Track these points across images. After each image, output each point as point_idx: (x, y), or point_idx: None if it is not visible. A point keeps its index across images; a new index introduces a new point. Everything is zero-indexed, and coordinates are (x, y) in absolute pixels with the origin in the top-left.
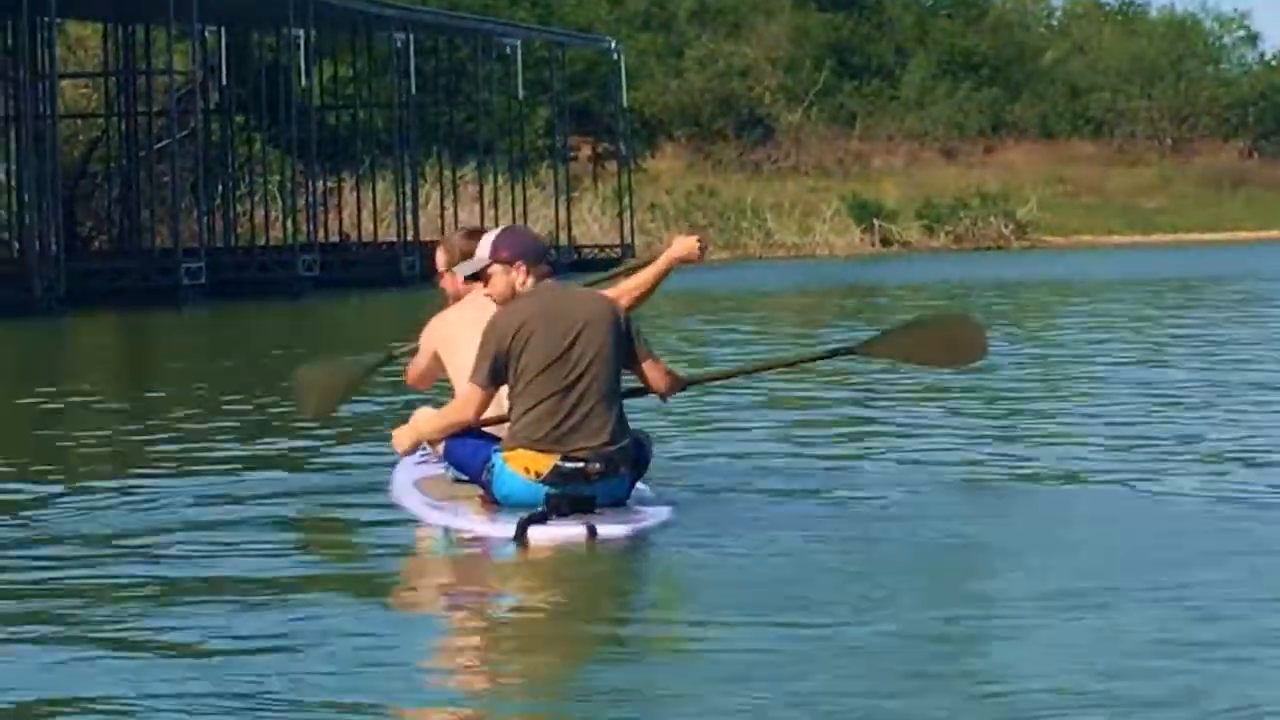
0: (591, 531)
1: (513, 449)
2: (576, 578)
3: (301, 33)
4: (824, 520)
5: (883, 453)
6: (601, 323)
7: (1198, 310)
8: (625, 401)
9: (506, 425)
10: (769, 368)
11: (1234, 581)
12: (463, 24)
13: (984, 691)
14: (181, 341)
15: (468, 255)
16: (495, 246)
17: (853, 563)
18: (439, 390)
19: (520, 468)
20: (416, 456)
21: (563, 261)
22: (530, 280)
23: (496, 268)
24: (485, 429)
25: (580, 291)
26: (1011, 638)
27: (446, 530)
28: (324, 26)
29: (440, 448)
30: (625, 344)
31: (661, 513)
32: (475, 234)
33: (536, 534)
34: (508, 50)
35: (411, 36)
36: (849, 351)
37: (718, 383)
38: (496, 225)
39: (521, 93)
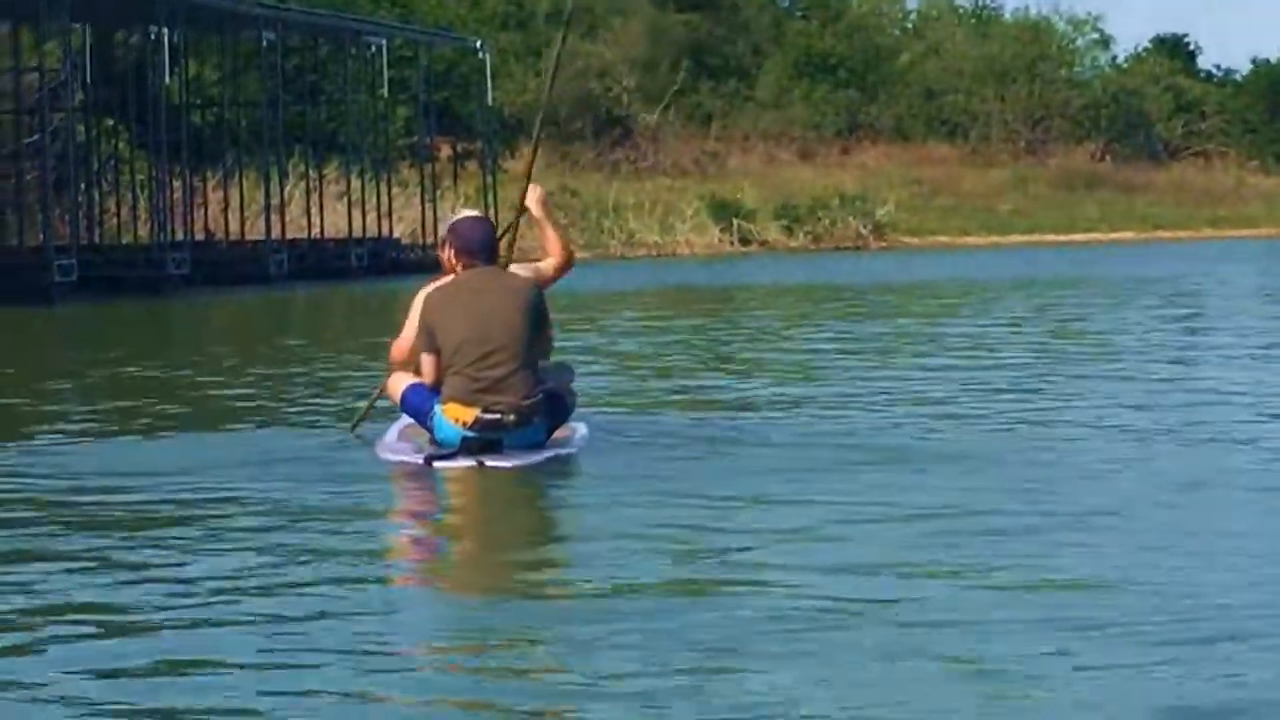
0: (480, 464)
1: (446, 403)
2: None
3: (166, 31)
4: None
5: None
6: (513, 304)
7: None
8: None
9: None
10: None
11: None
12: (330, 22)
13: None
14: (85, 335)
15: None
16: (449, 229)
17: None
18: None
19: (452, 418)
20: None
21: (430, 261)
22: (460, 266)
23: (445, 243)
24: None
25: (500, 276)
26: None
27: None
28: (189, 25)
29: (398, 399)
30: (539, 316)
31: (548, 453)
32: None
33: (440, 464)
34: (372, 49)
35: (279, 35)
36: None
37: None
38: (364, 223)
39: (386, 91)
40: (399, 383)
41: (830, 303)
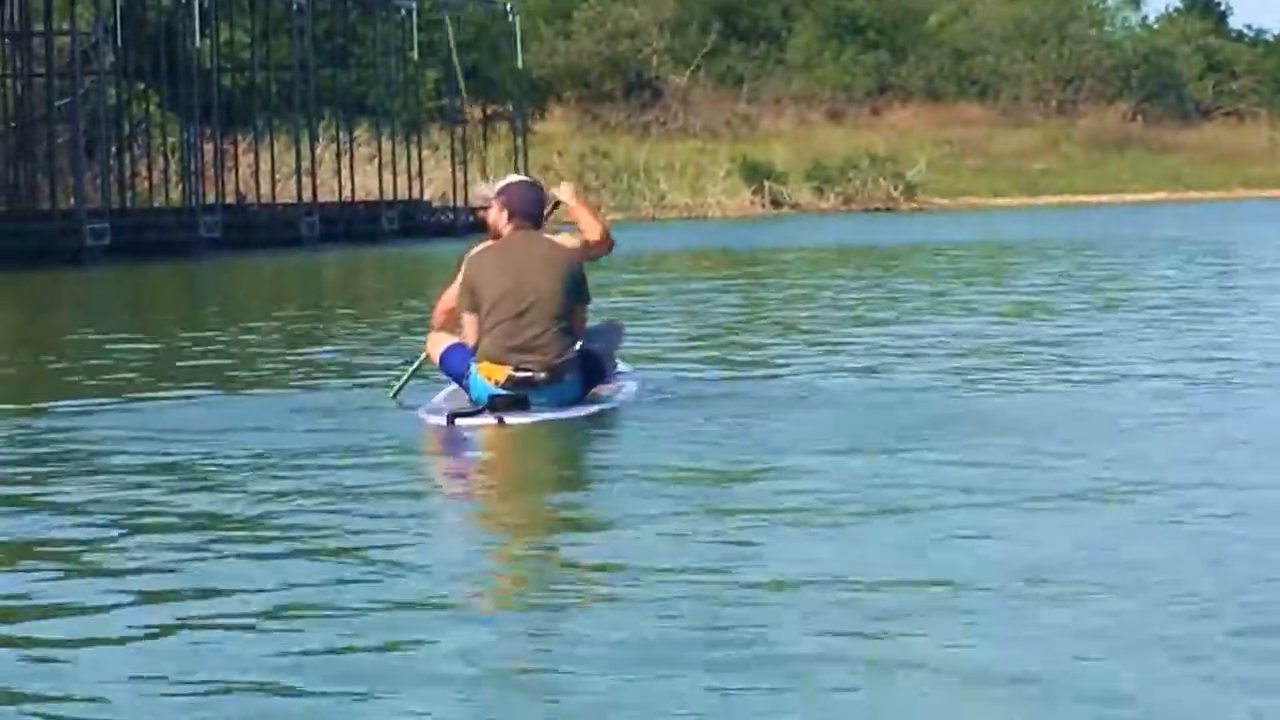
0: (500, 421)
1: (481, 361)
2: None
3: None
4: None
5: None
6: (552, 267)
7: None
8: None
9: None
10: None
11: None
12: None
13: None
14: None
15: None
16: (500, 190)
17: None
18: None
19: (486, 376)
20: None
21: (460, 224)
22: (510, 228)
23: (495, 205)
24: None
25: (544, 240)
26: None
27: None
28: None
29: (437, 359)
30: (577, 284)
31: (576, 411)
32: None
33: (461, 421)
34: (402, 12)
35: None
36: None
37: None
38: (394, 186)
39: (416, 54)
40: (438, 344)
41: (867, 263)
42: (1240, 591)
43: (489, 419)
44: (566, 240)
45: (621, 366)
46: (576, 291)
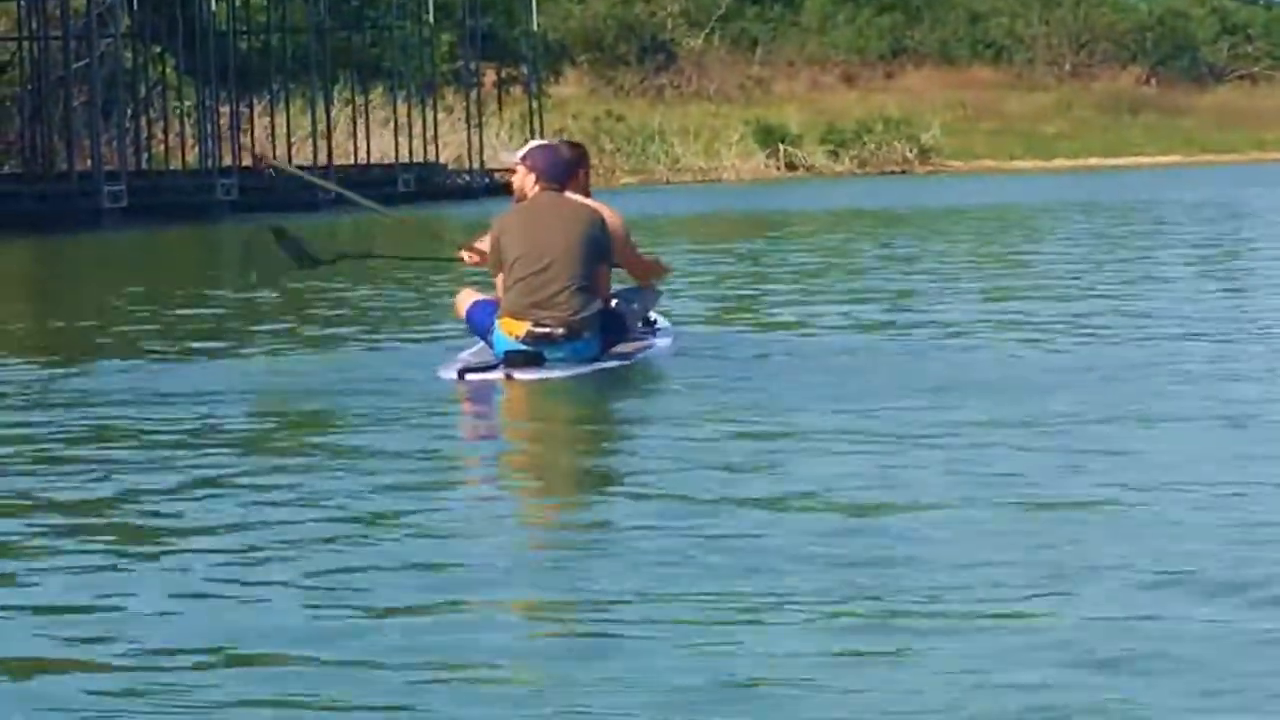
0: (508, 376)
1: (503, 317)
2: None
3: None
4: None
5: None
6: (573, 226)
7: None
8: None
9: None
10: None
11: None
12: None
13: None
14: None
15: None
16: (524, 155)
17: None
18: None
19: (507, 331)
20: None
21: (476, 187)
22: (536, 189)
23: (521, 168)
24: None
25: (569, 201)
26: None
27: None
28: None
29: (464, 314)
30: (599, 245)
31: (587, 368)
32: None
33: (471, 376)
34: None
35: None
36: None
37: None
38: (409, 150)
39: (431, 17)
40: (465, 300)
41: (885, 226)
42: None
43: (498, 374)
44: (595, 204)
45: (662, 323)
46: (597, 251)
